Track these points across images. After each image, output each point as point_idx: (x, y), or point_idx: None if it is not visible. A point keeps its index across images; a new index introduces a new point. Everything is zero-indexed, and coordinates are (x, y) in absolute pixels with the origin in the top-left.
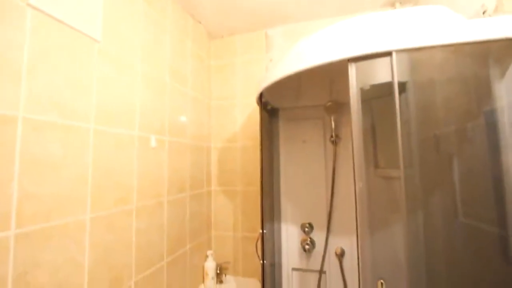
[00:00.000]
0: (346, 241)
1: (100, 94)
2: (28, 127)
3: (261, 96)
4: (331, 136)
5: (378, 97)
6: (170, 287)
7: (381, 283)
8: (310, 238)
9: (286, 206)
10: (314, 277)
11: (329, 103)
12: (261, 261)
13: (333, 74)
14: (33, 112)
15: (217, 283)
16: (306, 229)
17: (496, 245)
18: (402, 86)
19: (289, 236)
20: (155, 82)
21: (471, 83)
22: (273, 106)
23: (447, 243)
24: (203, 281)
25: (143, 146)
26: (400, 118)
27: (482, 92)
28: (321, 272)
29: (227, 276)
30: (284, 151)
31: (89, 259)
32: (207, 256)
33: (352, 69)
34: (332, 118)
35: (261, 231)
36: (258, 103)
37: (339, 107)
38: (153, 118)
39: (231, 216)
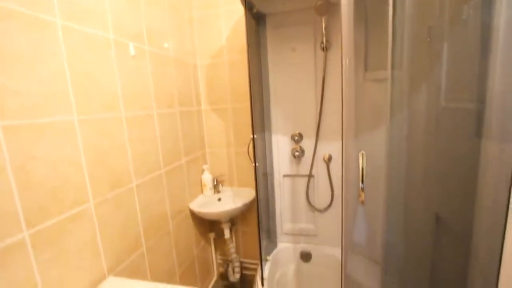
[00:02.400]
0: (334, 148)
1: None
2: None
3: None
4: (322, 42)
5: None
6: (171, 194)
7: (362, 154)
8: (300, 146)
9: (277, 117)
10: (303, 181)
11: (320, 2)
12: (253, 164)
13: None
14: None
15: (214, 193)
16: (296, 138)
17: (472, 121)
18: None
19: (280, 146)
20: None
21: None
22: (259, 10)
23: (428, 133)
24: (202, 192)
25: (121, 53)
26: (393, 13)
27: None
28: (309, 176)
29: (224, 187)
30: (273, 61)
31: (86, 160)
32: (203, 170)
33: None
34: (323, 20)
35: (252, 136)
36: (242, 3)
37: (330, 6)
38: (128, 22)
39: (224, 134)
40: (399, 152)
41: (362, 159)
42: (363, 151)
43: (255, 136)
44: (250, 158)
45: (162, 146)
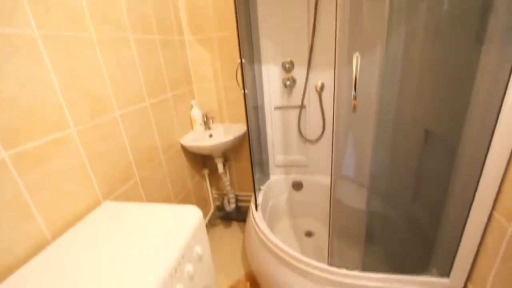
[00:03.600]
0: (326, 75)
1: None
2: None
3: None
4: None
5: None
6: (160, 129)
7: (356, 57)
8: (291, 76)
9: (266, 45)
10: (294, 113)
11: None
12: (242, 91)
13: None
14: None
15: (205, 129)
16: (288, 65)
17: (474, 24)
18: None
19: (271, 76)
20: None
21: None
22: None
23: (425, 45)
24: (192, 128)
25: None
26: None
27: None
28: (301, 107)
29: (214, 124)
30: None
31: (58, 81)
32: (192, 106)
33: None
34: None
35: (239, 60)
36: None
37: None
38: None
39: (210, 68)
40: (393, 71)
41: (357, 63)
42: (357, 54)
43: (243, 60)
44: (238, 85)
45: (144, 76)
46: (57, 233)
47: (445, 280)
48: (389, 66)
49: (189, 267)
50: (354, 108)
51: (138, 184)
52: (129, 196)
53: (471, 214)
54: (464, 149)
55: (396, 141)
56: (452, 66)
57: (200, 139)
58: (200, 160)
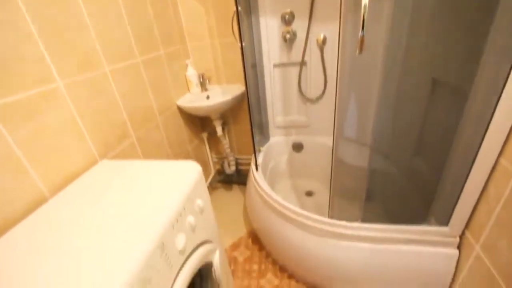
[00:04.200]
0: (329, 28)
1: None
2: None
3: None
4: None
5: None
6: (154, 88)
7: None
8: (292, 29)
9: None
10: (295, 70)
11: None
12: (239, 44)
13: None
14: None
15: (202, 91)
16: (287, 17)
17: None
18: None
19: (269, 30)
20: None
21: None
22: None
23: None
24: (188, 90)
25: None
26: None
27: None
28: (302, 63)
29: (211, 85)
30: None
31: (36, 30)
32: (187, 65)
33: None
34: None
35: (235, 8)
36: None
37: None
38: None
39: (205, 24)
40: (403, 14)
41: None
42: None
43: (239, 8)
44: (235, 37)
45: (133, 30)
46: (55, 190)
47: (443, 229)
48: (399, 10)
49: (190, 219)
50: (361, 50)
51: (135, 145)
52: (126, 156)
53: (476, 161)
54: (476, 96)
55: (402, 92)
56: (467, 7)
57: (197, 100)
58: (199, 123)
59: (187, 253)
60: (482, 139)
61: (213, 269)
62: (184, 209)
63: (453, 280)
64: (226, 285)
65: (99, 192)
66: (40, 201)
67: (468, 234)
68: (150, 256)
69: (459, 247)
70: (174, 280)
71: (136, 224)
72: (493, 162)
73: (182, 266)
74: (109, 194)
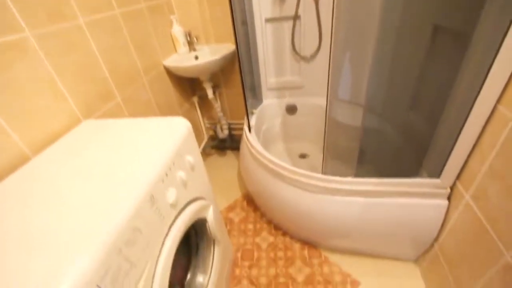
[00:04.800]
0: None
1: None
2: None
3: None
4: None
5: None
6: (137, 44)
7: None
8: None
9: None
10: (288, 26)
11: None
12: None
13: None
14: None
15: (190, 51)
16: None
17: None
18: None
19: None
20: None
21: None
22: None
23: None
24: (176, 50)
25: None
26: None
27: None
28: (295, 17)
29: (200, 45)
30: None
31: None
32: (172, 22)
33: None
34: None
35: None
36: None
37: None
38: None
39: None
40: None
41: None
42: None
43: None
44: None
45: None
46: (37, 149)
47: (435, 181)
48: None
49: (181, 174)
50: None
51: (121, 105)
52: (112, 117)
53: (473, 108)
54: (478, 41)
55: (400, 44)
56: None
57: (185, 60)
58: (188, 87)
59: (179, 208)
60: (481, 86)
61: (207, 225)
62: (174, 164)
63: (441, 228)
64: (221, 241)
65: (84, 150)
66: (22, 160)
67: (459, 184)
68: (139, 206)
69: (449, 197)
70: (167, 234)
71: (123, 177)
72: (491, 108)
73: (175, 220)
74: (93, 151)
